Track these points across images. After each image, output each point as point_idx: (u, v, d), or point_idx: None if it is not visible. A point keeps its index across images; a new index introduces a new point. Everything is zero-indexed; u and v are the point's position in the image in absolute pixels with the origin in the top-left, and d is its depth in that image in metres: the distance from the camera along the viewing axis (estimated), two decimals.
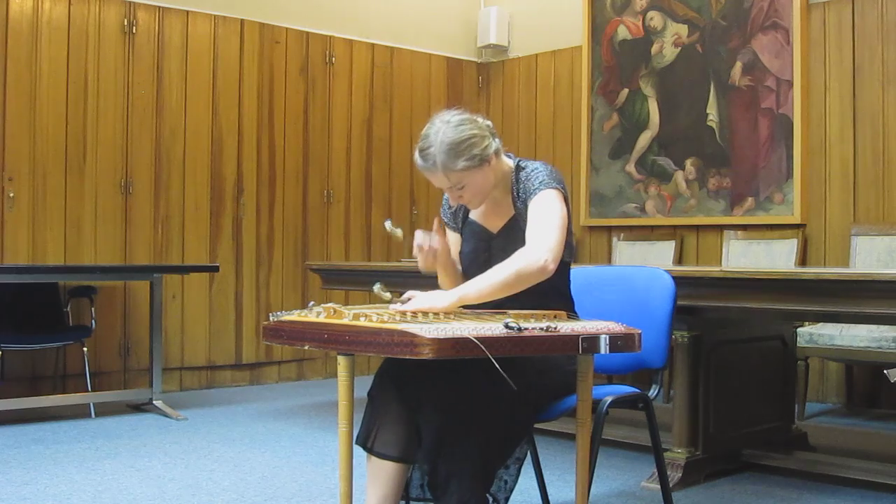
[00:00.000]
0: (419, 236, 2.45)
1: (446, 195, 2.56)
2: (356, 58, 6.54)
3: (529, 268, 2.25)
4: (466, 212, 2.60)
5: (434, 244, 2.46)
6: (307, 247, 6.27)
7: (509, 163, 2.52)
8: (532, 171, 2.44)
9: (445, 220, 2.65)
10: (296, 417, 4.86)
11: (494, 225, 2.53)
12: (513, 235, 2.44)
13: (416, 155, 2.41)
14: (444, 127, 2.37)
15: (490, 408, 2.20)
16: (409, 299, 2.28)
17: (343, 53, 6.47)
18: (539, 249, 2.27)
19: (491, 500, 2.47)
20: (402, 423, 2.30)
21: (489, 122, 2.47)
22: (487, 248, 2.51)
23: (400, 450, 2.30)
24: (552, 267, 2.27)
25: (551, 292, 2.44)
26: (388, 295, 2.41)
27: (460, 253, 2.59)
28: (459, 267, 2.61)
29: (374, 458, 2.32)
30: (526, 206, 2.40)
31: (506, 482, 2.53)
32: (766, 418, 3.79)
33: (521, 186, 2.44)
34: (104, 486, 3.42)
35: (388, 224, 2.52)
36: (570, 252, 2.50)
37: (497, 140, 2.45)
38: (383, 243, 6.65)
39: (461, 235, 2.62)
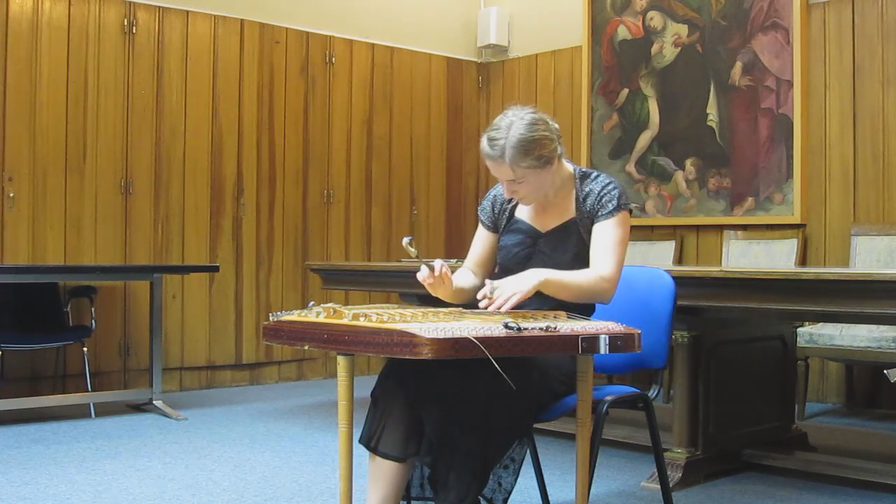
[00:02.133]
0: (426, 270, 2.43)
1: (491, 193, 2.65)
2: (356, 58, 6.54)
3: (599, 295, 2.41)
4: (511, 211, 2.63)
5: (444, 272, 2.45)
6: (307, 247, 6.27)
7: (569, 168, 2.57)
8: (604, 187, 2.51)
9: (482, 218, 2.69)
10: (296, 417, 4.86)
11: (544, 225, 2.57)
12: (563, 238, 2.51)
13: (484, 142, 2.44)
14: (518, 122, 2.41)
15: (491, 405, 2.21)
16: (492, 290, 2.30)
17: (343, 53, 6.47)
18: (610, 281, 2.42)
19: (484, 502, 2.47)
20: (405, 424, 2.31)
21: (557, 125, 2.51)
22: (533, 245, 2.55)
23: (404, 450, 2.31)
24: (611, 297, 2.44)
25: None
26: (414, 251, 2.40)
27: (501, 246, 2.62)
28: (469, 279, 2.65)
29: (377, 459, 2.32)
30: (592, 219, 2.49)
31: (500, 484, 2.54)
32: (766, 418, 3.79)
33: (592, 200, 2.50)
34: (104, 486, 3.42)
35: (406, 241, 2.46)
36: None
37: (561, 144, 2.51)
38: (383, 243, 6.65)
39: (499, 234, 2.65)
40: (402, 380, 2.31)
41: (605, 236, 2.46)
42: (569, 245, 2.50)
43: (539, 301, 2.39)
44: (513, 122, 2.41)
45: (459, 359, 1.93)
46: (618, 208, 2.47)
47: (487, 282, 2.32)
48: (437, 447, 2.20)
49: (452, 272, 2.52)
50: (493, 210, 2.66)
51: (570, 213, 2.54)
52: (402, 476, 2.33)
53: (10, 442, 4.19)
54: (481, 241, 2.69)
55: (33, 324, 4.99)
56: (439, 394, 2.22)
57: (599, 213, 2.48)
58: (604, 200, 2.48)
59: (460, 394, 2.19)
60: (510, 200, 2.63)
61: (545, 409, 2.43)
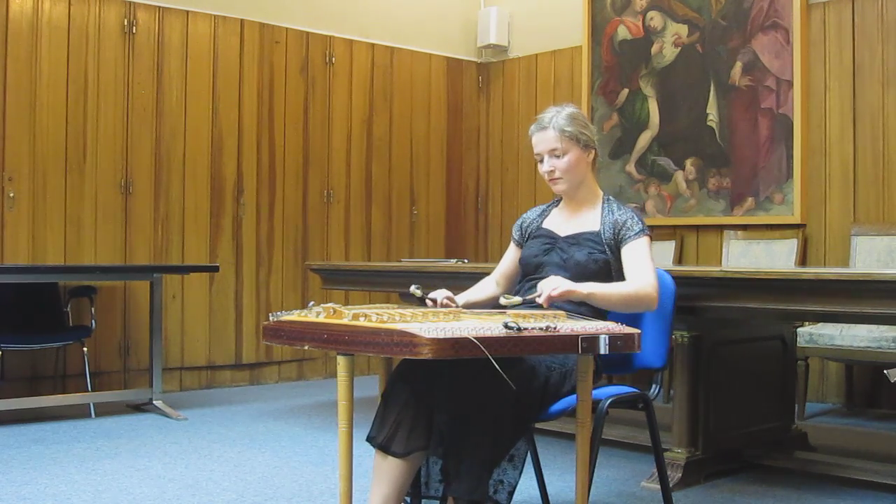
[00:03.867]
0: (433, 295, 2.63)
1: (524, 215, 2.91)
2: (356, 58, 6.54)
3: (646, 300, 2.58)
4: (539, 225, 2.86)
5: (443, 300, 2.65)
6: (307, 247, 6.27)
7: (599, 190, 2.84)
8: (625, 212, 2.75)
9: (513, 235, 2.94)
10: (296, 417, 4.86)
11: (564, 231, 2.79)
12: (581, 240, 2.72)
13: (532, 125, 2.76)
14: (566, 107, 2.76)
15: (500, 400, 2.24)
16: (538, 294, 2.46)
17: (343, 53, 6.47)
18: (654, 289, 2.60)
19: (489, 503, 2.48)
20: (417, 423, 2.33)
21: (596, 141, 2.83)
22: (552, 243, 2.77)
23: (415, 448, 2.34)
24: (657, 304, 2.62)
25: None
26: (420, 292, 2.58)
27: (525, 247, 2.85)
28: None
29: (386, 458, 2.34)
30: (617, 240, 2.71)
31: (501, 481, 2.55)
32: (766, 418, 3.79)
33: (614, 221, 2.73)
34: (104, 486, 3.42)
35: (413, 288, 2.67)
36: None
37: (597, 154, 2.81)
38: (383, 243, 6.65)
39: (523, 245, 2.87)
40: (413, 380, 2.34)
41: (637, 254, 2.67)
42: (585, 247, 2.69)
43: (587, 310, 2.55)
44: (562, 108, 2.75)
45: (468, 359, 1.94)
46: (642, 231, 2.70)
47: (539, 284, 2.49)
48: (450, 440, 2.26)
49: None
50: (521, 227, 2.92)
51: (593, 226, 2.74)
52: (407, 475, 2.36)
53: (10, 442, 4.19)
54: (509, 256, 2.94)
55: (33, 324, 4.99)
56: (451, 391, 2.26)
57: (626, 238, 2.68)
58: (628, 224, 2.70)
59: (471, 389, 2.23)
60: (540, 216, 2.87)
61: (546, 408, 2.44)
